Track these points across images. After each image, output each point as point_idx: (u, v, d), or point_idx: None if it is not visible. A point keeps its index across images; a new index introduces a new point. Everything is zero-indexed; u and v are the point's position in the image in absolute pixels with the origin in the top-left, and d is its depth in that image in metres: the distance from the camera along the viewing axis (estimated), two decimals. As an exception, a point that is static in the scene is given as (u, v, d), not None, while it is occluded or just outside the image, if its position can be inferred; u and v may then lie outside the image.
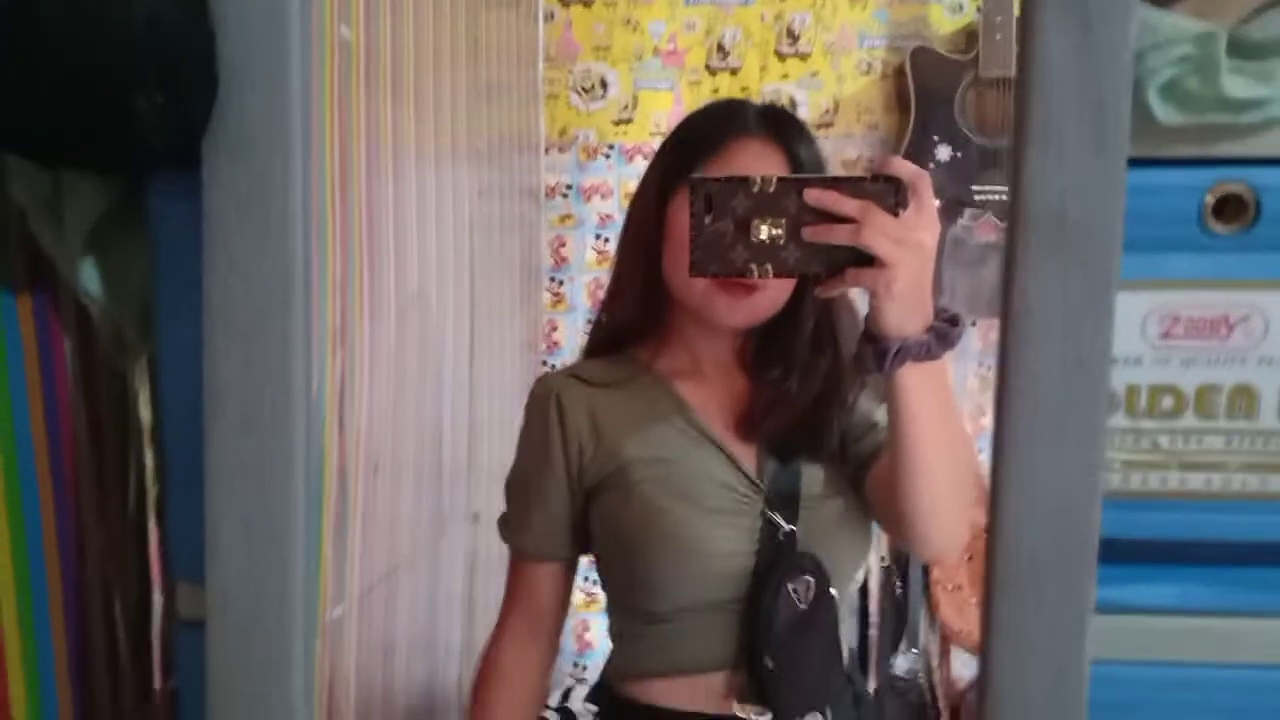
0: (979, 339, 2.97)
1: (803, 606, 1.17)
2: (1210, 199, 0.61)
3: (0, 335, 0.67)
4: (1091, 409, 0.62)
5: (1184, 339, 0.62)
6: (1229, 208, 0.62)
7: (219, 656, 0.68)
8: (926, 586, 2.72)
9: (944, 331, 1.02)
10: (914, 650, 2.78)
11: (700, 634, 1.20)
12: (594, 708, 1.32)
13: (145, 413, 0.73)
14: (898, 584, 2.71)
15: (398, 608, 1.60)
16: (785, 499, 1.21)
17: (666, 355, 1.27)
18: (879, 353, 1.01)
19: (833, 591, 1.21)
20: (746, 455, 1.23)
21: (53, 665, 0.80)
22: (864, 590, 2.70)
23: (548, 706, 3.03)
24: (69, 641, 0.80)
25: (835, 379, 1.22)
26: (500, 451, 2.46)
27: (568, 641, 3.17)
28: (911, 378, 1.03)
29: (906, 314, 0.98)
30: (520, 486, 1.26)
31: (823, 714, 1.21)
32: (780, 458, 1.23)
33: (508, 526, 1.29)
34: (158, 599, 0.82)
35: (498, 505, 1.26)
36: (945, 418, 1.09)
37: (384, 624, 1.51)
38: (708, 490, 1.20)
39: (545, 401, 1.25)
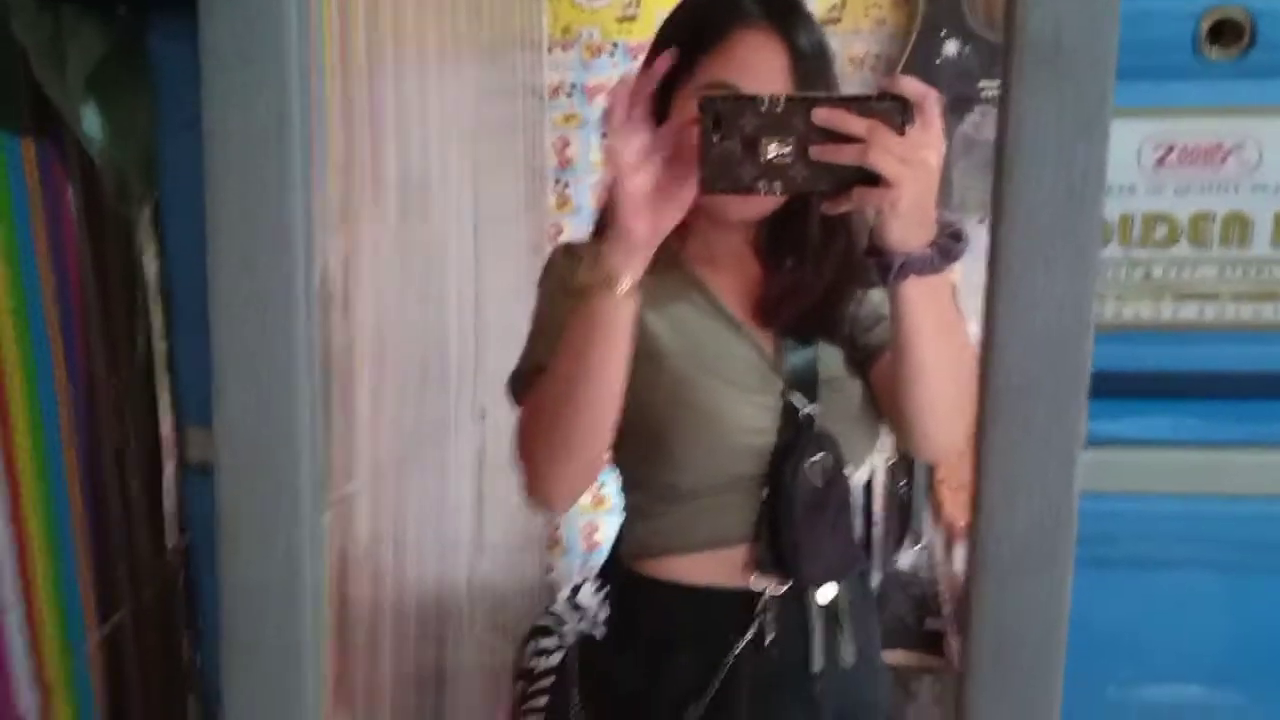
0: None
1: (819, 483, 1.20)
2: (1206, 24, 0.61)
3: (5, 180, 0.68)
4: (1085, 238, 0.62)
5: (1179, 166, 0.62)
6: (1225, 33, 0.62)
7: (228, 495, 0.69)
8: (931, 485, 2.76)
9: (947, 247, 1.04)
10: (919, 546, 2.81)
11: (721, 510, 1.22)
12: (599, 589, 1.34)
13: (152, 266, 0.74)
14: (902, 482, 2.74)
15: (408, 498, 1.62)
16: (803, 381, 1.24)
17: (681, 241, 1.28)
18: (883, 267, 1.03)
19: (847, 471, 1.24)
20: (765, 340, 1.25)
21: (69, 518, 0.81)
22: (868, 489, 2.73)
23: (556, 600, 3.09)
24: (84, 494, 0.82)
25: (848, 265, 1.23)
26: (506, 355, 2.47)
27: (575, 541, 3.21)
28: (915, 290, 1.05)
29: (910, 230, 1.00)
30: (544, 324, 1.23)
31: (835, 586, 1.25)
32: (797, 342, 1.25)
33: (523, 369, 1.25)
34: (170, 451, 0.83)
35: (506, 407, 1.25)
36: (947, 327, 1.11)
37: (394, 512, 1.53)
38: (735, 368, 1.22)
39: (564, 255, 1.25)
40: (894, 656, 2.69)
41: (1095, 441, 0.66)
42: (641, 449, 1.21)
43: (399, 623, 1.59)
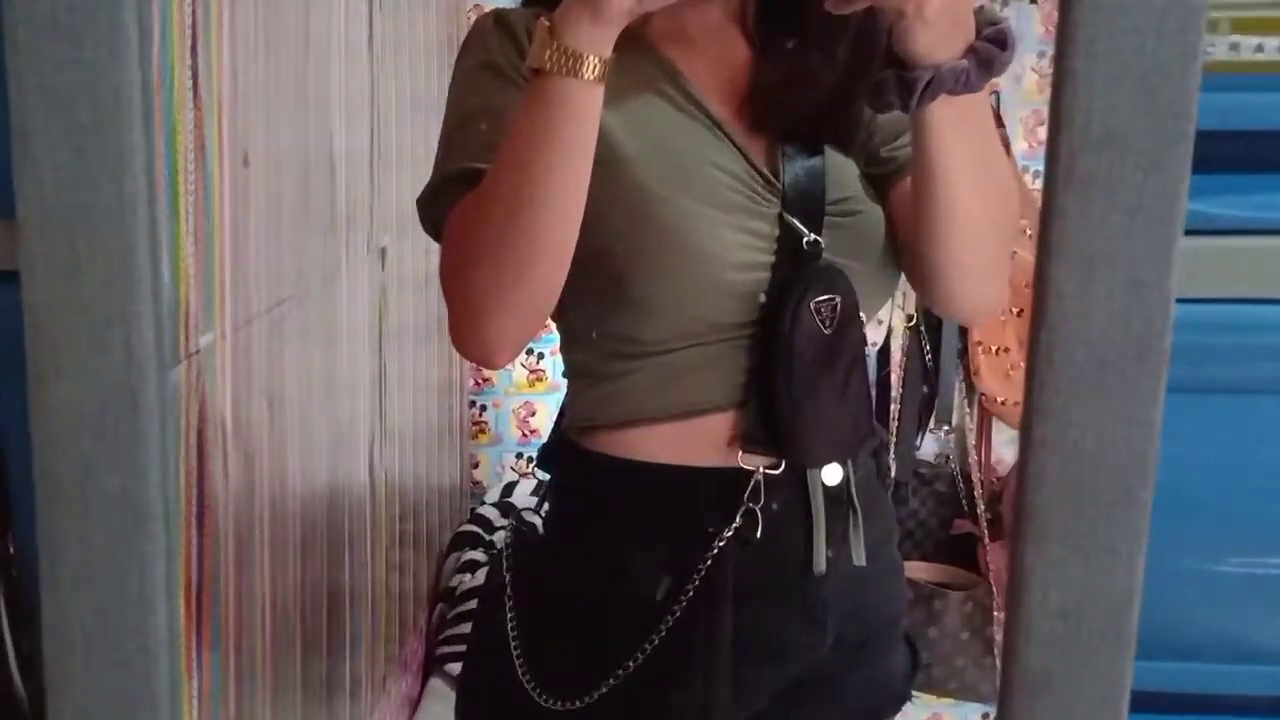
0: (1040, 22, 2.92)
1: (827, 331, 1.18)
2: None
3: None
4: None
5: None
6: None
7: (38, 286, 0.65)
8: (963, 350, 2.76)
9: (987, 55, 1.00)
10: (945, 429, 2.83)
11: (699, 368, 1.20)
12: (539, 484, 1.34)
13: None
14: (926, 348, 2.74)
15: (285, 362, 1.60)
16: (807, 201, 1.20)
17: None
18: (904, 85, 1.00)
19: (862, 316, 1.22)
20: (756, 146, 1.21)
21: None
22: (883, 355, 2.73)
23: (483, 503, 3.12)
24: None
25: (864, 48, 1.19)
26: (409, 182, 2.44)
27: (506, 428, 3.23)
28: (944, 113, 1.03)
29: (941, 37, 0.98)
30: (468, 118, 1.18)
31: (844, 466, 1.24)
32: (797, 149, 1.22)
33: (444, 180, 1.18)
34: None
35: (407, 241, 1.22)
36: (985, 159, 1.09)
37: (268, 380, 1.51)
38: (716, 181, 1.19)
39: (494, 25, 1.20)
40: (913, 569, 2.74)
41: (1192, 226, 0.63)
42: (594, 291, 1.18)
43: (278, 527, 1.58)
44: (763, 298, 1.19)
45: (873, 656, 1.33)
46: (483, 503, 3.03)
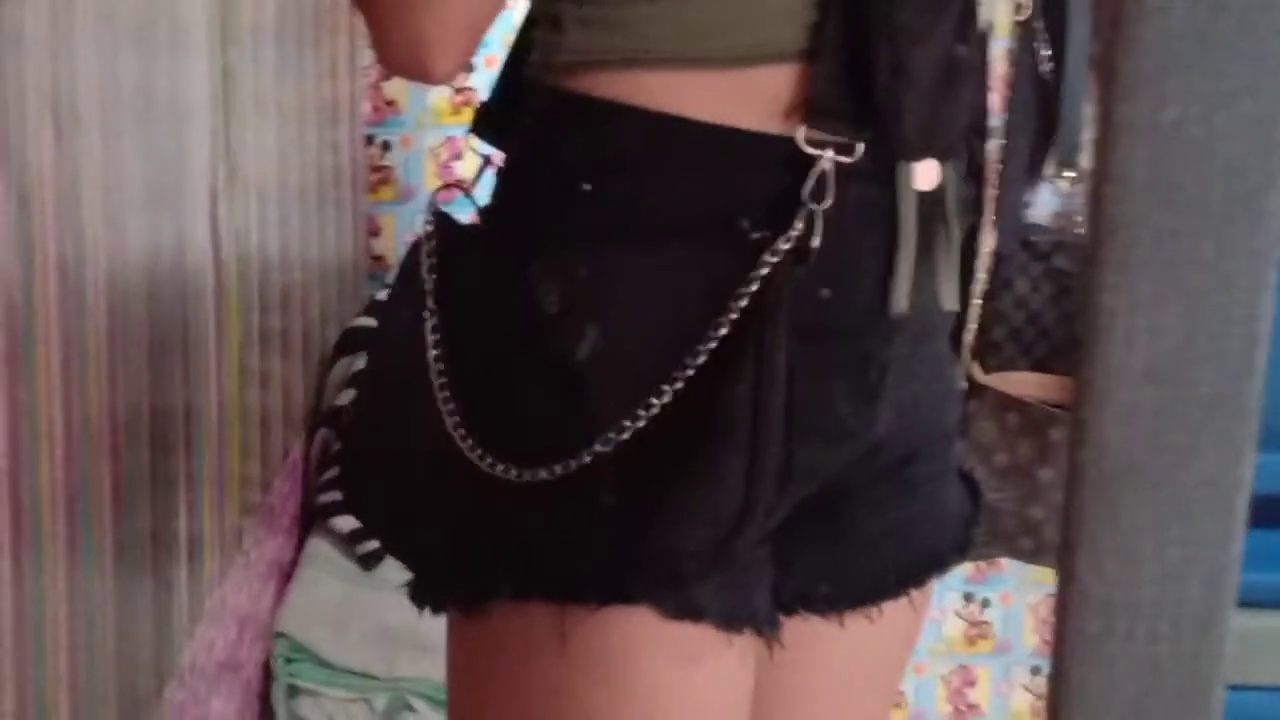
0: None
1: None
2: None
3: None
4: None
5: None
6: None
7: None
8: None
9: None
10: (1072, 176, 2.83)
11: None
12: (485, 151, 1.33)
13: None
14: (1044, 52, 2.73)
15: (75, 39, 1.59)
16: None
17: None
18: None
19: None
20: None
21: None
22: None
23: (385, 286, 3.13)
24: None
25: None
26: None
27: (418, 178, 3.21)
28: None
29: None
30: None
31: (945, 161, 1.30)
32: None
33: None
34: None
35: None
36: None
37: (51, 61, 1.51)
38: None
39: None
40: (1020, 381, 2.76)
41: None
42: None
43: (71, 313, 1.59)
44: None
45: (925, 480, 1.41)
46: (385, 285, 3.04)
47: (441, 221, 1.35)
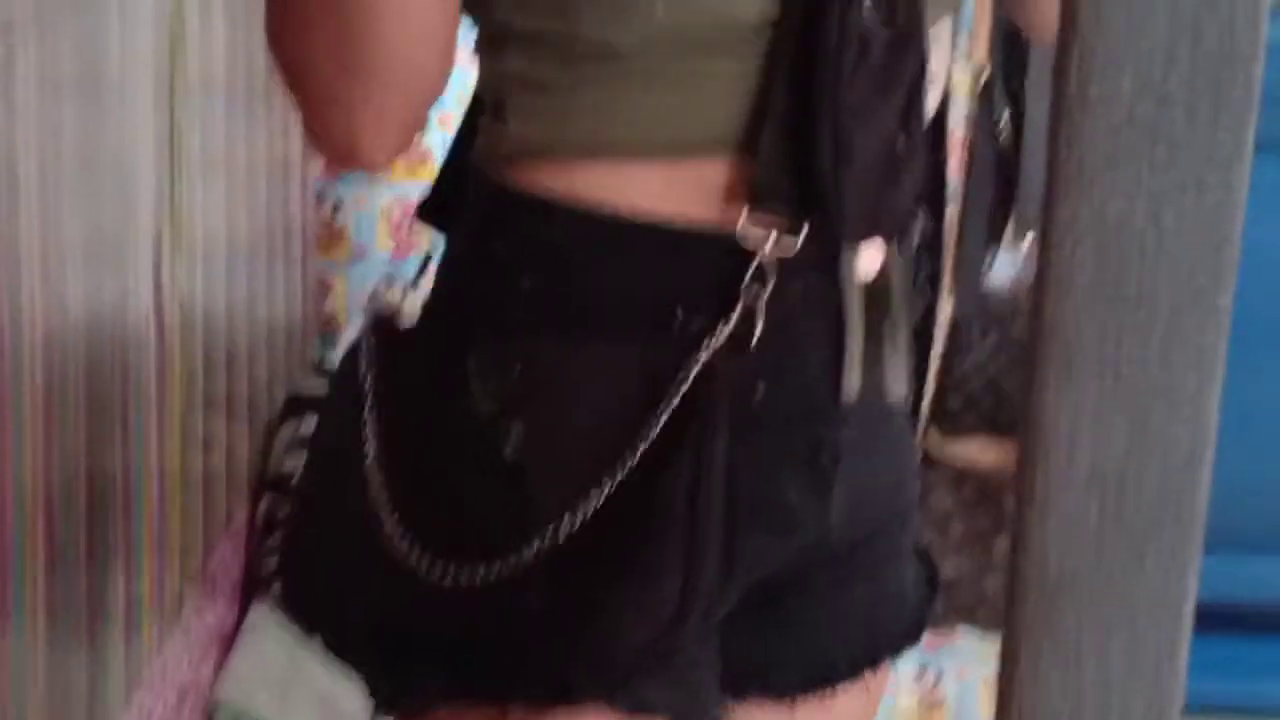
0: None
1: (884, 38, 1.21)
2: None
3: None
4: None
5: None
6: None
7: None
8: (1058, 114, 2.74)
9: None
10: (1030, 237, 2.83)
11: (693, 82, 1.24)
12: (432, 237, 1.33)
13: None
14: (1001, 118, 2.73)
15: (14, 94, 1.59)
16: None
17: None
18: None
19: (928, 19, 1.25)
20: None
21: None
22: (938, 129, 2.71)
23: (334, 348, 3.12)
24: None
25: None
26: None
27: (370, 235, 3.21)
28: None
29: None
30: None
31: (889, 244, 1.29)
32: None
33: None
34: None
35: None
36: None
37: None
38: None
39: None
40: (976, 449, 2.75)
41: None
42: None
43: (5, 375, 1.58)
44: None
45: (879, 562, 1.40)
46: (334, 348, 3.02)
47: (379, 325, 1.34)
